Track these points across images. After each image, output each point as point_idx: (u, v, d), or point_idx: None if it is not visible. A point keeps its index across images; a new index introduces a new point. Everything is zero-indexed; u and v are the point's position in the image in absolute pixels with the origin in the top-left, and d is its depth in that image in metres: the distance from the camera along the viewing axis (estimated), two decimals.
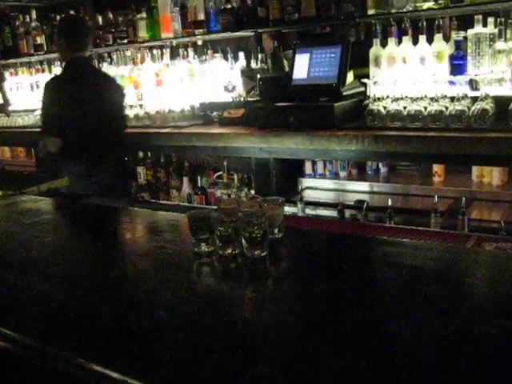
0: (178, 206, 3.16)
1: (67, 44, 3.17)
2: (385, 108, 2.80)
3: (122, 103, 3.43)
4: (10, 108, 4.80)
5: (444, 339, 0.98)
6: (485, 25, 2.83)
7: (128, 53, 4.33)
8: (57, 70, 4.77)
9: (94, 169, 3.16)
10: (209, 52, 3.94)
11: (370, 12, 3.11)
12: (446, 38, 2.97)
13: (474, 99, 2.63)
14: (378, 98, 2.88)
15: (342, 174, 3.58)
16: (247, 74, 3.63)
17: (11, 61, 5.16)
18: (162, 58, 4.05)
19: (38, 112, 3.78)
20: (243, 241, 1.43)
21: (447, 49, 2.93)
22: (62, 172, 3.10)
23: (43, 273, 1.48)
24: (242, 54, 3.78)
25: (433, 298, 1.16)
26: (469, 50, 2.85)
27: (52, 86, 3.19)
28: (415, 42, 3.00)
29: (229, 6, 3.61)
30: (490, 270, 1.38)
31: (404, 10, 2.99)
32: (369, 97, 2.94)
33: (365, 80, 3.06)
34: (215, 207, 1.88)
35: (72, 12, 4.57)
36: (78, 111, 3.08)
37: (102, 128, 3.15)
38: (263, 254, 1.43)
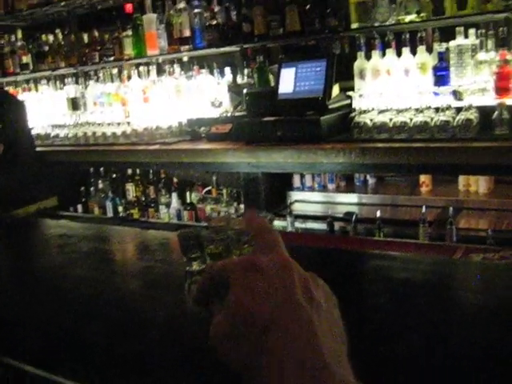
0: (167, 224, 3.16)
1: None
2: (371, 120, 2.82)
3: None
4: None
5: (435, 351, 0.99)
6: (466, 36, 2.87)
7: (114, 70, 4.33)
8: (44, 88, 4.77)
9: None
10: (195, 68, 3.96)
11: (354, 26, 3.16)
12: (429, 50, 3.00)
13: (458, 109, 2.66)
14: (364, 111, 2.90)
15: (331, 186, 3.59)
16: (234, 89, 3.65)
17: None
18: (148, 75, 4.06)
19: None
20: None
21: (430, 60, 2.97)
22: None
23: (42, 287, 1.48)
24: (228, 70, 3.81)
25: (423, 311, 1.17)
26: (451, 61, 2.89)
27: None
28: (399, 54, 3.04)
29: (214, 23, 3.65)
30: (479, 282, 1.39)
31: (387, 23, 3.04)
32: (355, 109, 2.97)
33: (350, 93, 3.08)
34: (205, 224, 1.89)
35: (58, 30, 4.60)
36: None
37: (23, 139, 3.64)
38: None
